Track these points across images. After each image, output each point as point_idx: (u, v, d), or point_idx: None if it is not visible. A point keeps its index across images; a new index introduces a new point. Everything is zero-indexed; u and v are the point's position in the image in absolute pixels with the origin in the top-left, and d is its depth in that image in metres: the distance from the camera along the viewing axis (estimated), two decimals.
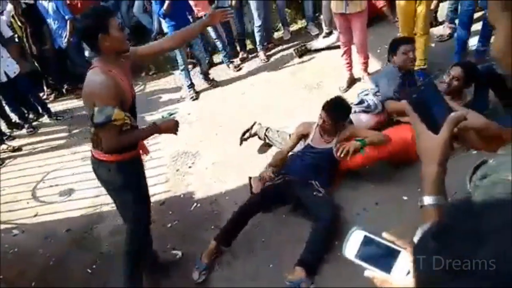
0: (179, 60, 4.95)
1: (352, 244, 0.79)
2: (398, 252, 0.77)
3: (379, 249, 0.78)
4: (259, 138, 3.76)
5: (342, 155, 2.90)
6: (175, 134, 2.38)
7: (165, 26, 5.17)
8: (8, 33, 4.91)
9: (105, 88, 1.99)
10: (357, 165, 3.01)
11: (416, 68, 3.94)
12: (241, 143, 3.80)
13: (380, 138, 2.95)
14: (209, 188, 3.52)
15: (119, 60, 2.16)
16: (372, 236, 0.80)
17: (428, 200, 0.85)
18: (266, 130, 3.69)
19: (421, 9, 3.82)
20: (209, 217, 3.20)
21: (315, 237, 2.58)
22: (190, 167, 3.88)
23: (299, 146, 3.27)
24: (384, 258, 0.77)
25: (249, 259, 2.74)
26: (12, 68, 4.74)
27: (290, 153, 3.26)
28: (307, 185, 2.85)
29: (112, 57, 2.10)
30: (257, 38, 5.44)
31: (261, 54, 5.52)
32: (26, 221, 3.62)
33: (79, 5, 5.48)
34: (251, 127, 3.81)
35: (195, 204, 3.38)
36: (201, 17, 5.06)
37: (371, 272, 0.80)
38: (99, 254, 3.10)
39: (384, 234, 0.82)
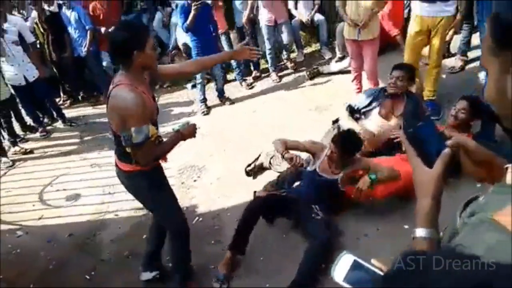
0: (198, 74, 4.98)
1: (341, 268, 0.82)
2: None
3: (367, 274, 0.81)
4: (266, 168, 3.74)
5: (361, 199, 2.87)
6: (195, 137, 2.39)
7: (180, 42, 5.25)
8: (30, 38, 5.05)
9: (139, 107, 1.97)
10: (361, 198, 2.92)
11: (425, 99, 3.97)
12: (247, 174, 3.75)
13: (389, 174, 2.83)
14: (213, 203, 3.54)
15: (143, 76, 2.15)
16: (361, 261, 0.82)
17: (420, 232, 0.87)
18: (271, 158, 3.68)
19: (435, 41, 3.80)
20: (210, 231, 3.22)
21: (309, 257, 2.57)
22: (195, 180, 3.91)
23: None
24: (371, 283, 0.80)
25: (248, 276, 2.76)
26: (32, 72, 4.87)
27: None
28: (307, 208, 2.86)
29: (139, 73, 2.08)
30: (269, 61, 5.54)
31: (273, 75, 5.61)
32: (30, 223, 3.67)
33: (101, 16, 5.66)
34: (257, 159, 3.78)
35: (197, 218, 3.40)
36: (218, 35, 5.19)
37: None
38: (99, 261, 3.12)
39: (373, 261, 0.84)
